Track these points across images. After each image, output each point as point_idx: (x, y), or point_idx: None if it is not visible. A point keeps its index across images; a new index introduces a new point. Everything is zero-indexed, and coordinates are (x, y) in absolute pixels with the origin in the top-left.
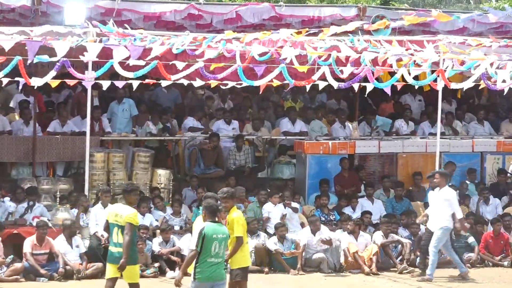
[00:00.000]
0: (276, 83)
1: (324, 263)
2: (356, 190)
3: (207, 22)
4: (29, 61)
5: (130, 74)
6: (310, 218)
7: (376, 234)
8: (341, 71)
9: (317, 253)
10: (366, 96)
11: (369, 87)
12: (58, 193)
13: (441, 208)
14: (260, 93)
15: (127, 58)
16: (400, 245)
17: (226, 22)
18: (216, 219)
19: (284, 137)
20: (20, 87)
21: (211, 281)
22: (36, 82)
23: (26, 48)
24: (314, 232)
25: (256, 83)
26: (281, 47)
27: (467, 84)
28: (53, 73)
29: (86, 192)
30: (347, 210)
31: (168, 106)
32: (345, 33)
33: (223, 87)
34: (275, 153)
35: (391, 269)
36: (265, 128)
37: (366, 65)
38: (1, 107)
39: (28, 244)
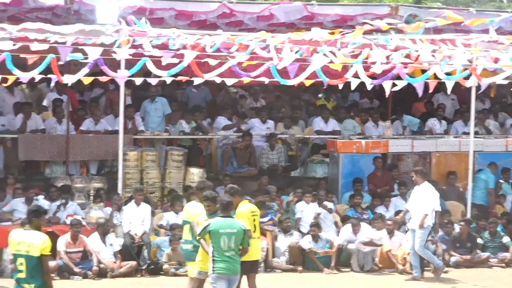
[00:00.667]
0: (309, 82)
1: (354, 258)
2: (389, 189)
3: (239, 20)
4: (61, 62)
5: (163, 73)
6: (352, 221)
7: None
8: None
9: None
10: (395, 94)
11: (401, 84)
12: (91, 192)
13: (421, 205)
14: (296, 85)
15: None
16: (435, 245)
17: (258, 20)
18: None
19: (317, 136)
20: (53, 84)
21: (227, 273)
22: (68, 79)
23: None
24: (355, 233)
25: (289, 82)
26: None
27: (498, 78)
28: (85, 70)
29: (120, 191)
30: (381, 209)
31: (199, 104)
32: (378, 31)
33: (255, 87)
34: (308, 152)
35: (426, 268)
36: (298, 127)
37: (398, 63)
38: (34, 105)
39: (62, 242)
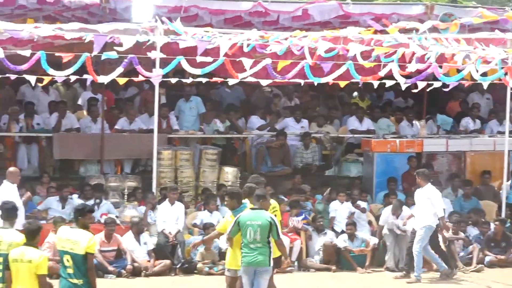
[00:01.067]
0: (343, 82)
1: (389, 254)
2: None
3: (274, 19)
4: (95, 52)
5: (197, 71)
6: (394, 202)
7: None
8: (406, 67)
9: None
10: (430, 93)
11: (436, 84)
12: (125, 190)
13: (424, 207)
14: (330, 83)
15: (194, 49)
16: (471, 246)
17: (293, 20)
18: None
19: (351, 135)
20: (88, 83)
21: (252, 266)
22: (103, 79)
23: (92, 39)
24: (396, 215)
25: (323, 80)
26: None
27: None
28: (120, 69)
29: (154, 190)
30: None
31: (233, 103)
32: (412, 30)
33: (289, 86)
34: (342, 151)
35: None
36: (332, 126)
37: (432, 62)
38: (69, 104)
39: (96, 241)
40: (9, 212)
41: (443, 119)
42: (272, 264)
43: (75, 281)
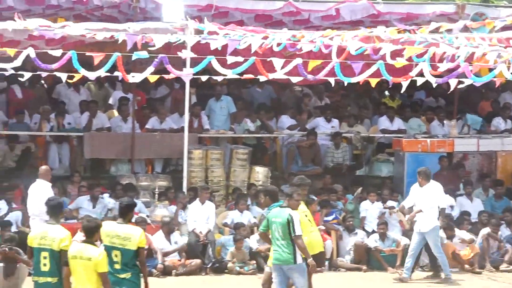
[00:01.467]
0: (374, 81)
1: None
2: (454, 188)
3: (304, 18)
4: (128, 47)
5: (228, 72)
6: None
7: (483, 231)
8: (437, 67)
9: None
10: (461, 93)
11: (466, 83)
12: (156, 190)
13: (427, 208)
14: (361, 83)
15: (224, 48)
16: (506, 248)
17: (324, 19)
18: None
19: (382, 135)
20: (120, 78)
21: (278, 263)
22: (134, 78)
23: (125, 39)
24: None
25: (353, 79)
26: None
27: None
28: (151, 69)
29: (184, 189)
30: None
31: (263, 103)
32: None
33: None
34: (373, 151)
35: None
36: (363, 126)
37: (463, 61)
38: (101, 104)
39: None
40: (55, 208)
41: (472, 119)
42: (300, 262)
43: (123, 275)
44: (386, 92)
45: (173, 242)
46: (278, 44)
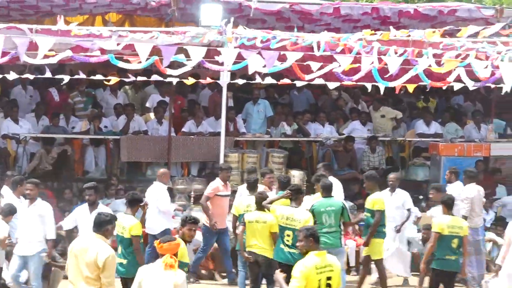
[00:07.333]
0: (412, 87)
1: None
2: (491, 192)
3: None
4: (164, 66)
5: (264, 70)
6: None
7: None
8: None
9: None
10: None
11: (506, 87)
12: (192, 193)
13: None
14: (397, 92)
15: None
16: None
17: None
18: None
19: (418, 139)
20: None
21: (325, 246)
22: (171, 74)
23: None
24: None
25: (391, 84)
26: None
27: None
28: (188, 67)
29: None
30: None
31: (301, 107)
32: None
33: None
34: (409, 155)
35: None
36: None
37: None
38: (138, 107)
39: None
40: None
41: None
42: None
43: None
44: (422, 97)
45: None
46: (319, 48)
